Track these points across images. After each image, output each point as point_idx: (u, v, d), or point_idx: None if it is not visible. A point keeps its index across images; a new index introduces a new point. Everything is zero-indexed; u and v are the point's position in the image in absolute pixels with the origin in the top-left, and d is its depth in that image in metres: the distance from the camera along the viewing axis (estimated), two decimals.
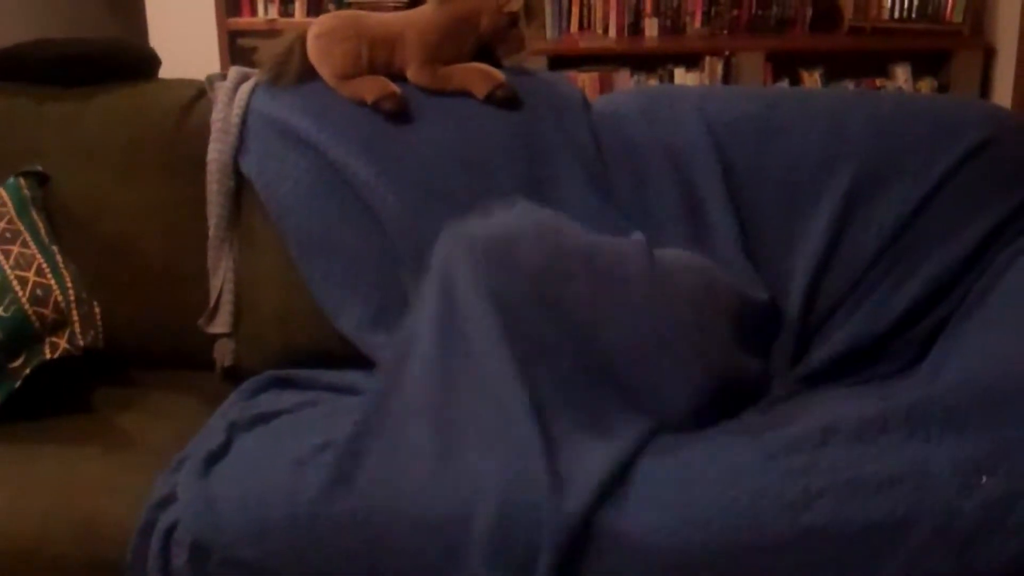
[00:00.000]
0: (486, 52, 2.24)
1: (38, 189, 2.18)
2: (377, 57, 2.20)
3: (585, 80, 4.20)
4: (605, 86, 4.24)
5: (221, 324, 2.18)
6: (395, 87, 2.17)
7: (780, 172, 2.12)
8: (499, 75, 2.18)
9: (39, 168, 2.20)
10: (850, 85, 4.29)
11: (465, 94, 2.19)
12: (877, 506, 1.57)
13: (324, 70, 2.21)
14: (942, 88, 4.23)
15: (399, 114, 2.16)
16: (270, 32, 4.10)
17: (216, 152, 2.19)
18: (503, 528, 1.60)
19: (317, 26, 2.23)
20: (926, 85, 4.27)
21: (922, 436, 1.67)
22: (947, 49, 4.23)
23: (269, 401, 1.96)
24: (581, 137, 2.19)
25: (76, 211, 2.21)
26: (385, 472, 1.69)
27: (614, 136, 2.20)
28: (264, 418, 1.88)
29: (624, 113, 2.24)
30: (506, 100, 2.18)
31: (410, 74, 2.21)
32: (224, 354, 2.19)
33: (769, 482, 1.62)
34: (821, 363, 2.03)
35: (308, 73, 2.23)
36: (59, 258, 2.01)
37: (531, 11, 2.21)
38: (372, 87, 2.17)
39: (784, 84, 4.26)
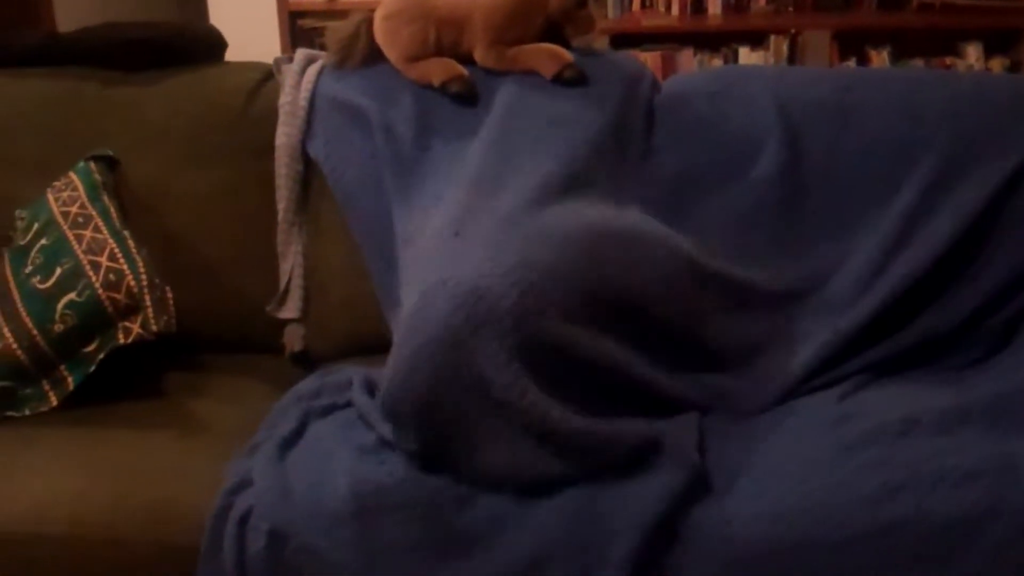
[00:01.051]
0: (554, 31, 2.21)
1: (109, 174, 2.19)
2: (444, 38, 2.18)
3: (647, 59, 4.16)
4: (668, 65, 4.20)
5: (291, 309, 2.18)
6: (462, 69, 2.16)
7: (856, 157, 2.07)
8: (567, 55, 2.15)
9: (110, 152, 2.21)
10: (919, 64, 4.21)
11: (532, 74, 2.16)
12: (958, 500, 1.54)
13: (391, 52, 2.20)
14: (1014, 67, 4.14)
15: (467, 96, 2.15)
16: (330, 12, 4.10)
17: (284, 136, 2.18)
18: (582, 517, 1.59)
19: (384, 7, 2.21)
20: (997, 64, 4.18)
21: (1005, 429, 1.64)
22: (1019, 27, 4.14)
23: (342, 389, 1.95)
24: (634, 119, 2.16)
25: (144, 196, 2.22)
26: (455, 463, 1.68)
27: (673, 118, 2.17)
28: (338, 406, 1.88)
29: (692, 94, 2.21)
30: (574, 80, 2.14)
31: (477, 55, 2.19)
32: (294, 339, 2.19)
33: (847, 475, 1.60)
34: (893, 352, 1.98)
35: (375, 55, 2.21)
36: (131, 243, 2.01)
37: None
38: (439, 69, 2.16)
39: (851, 63, 4.19)
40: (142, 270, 1.97)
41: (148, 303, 1.96)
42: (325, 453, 1.73)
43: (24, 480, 1.78)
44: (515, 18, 2.17)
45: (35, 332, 1.94)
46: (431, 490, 1.64)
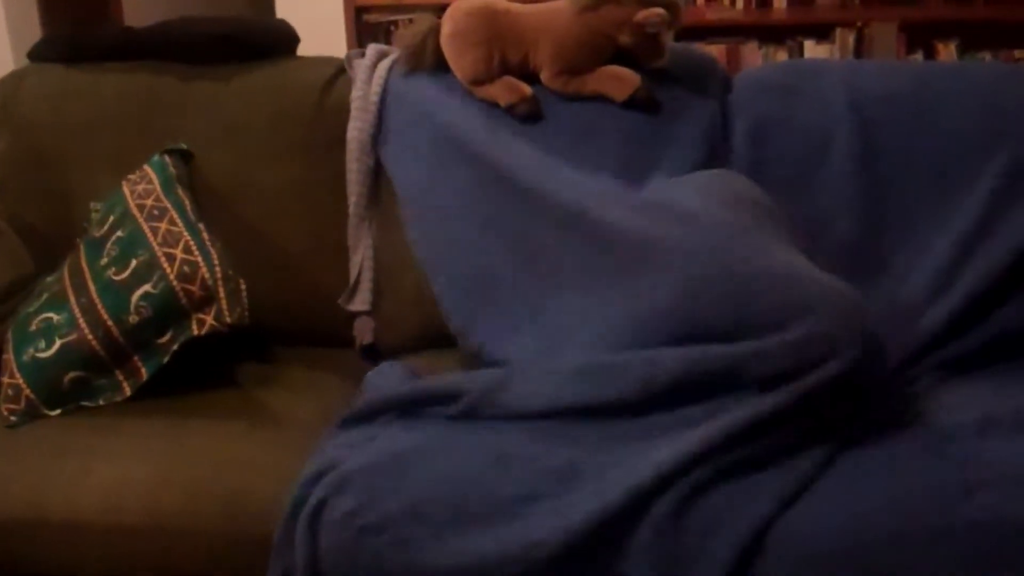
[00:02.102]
0: (625, 56, 2.17)
1: (184, 167, 2.21)
2: (511, 57, 2.16)
3: (712, 53, 4.12)
4: (732, 59, 4.17)
5: (361, 302, 2.20)
6: (528, 90, 2.14)
7: (933, 153, 2.05)
8: (636, 79, 2.13)
9: (184, 146, 2.24)
10: (987, 57, 4.14)
11: (601, 98, 2.15)
12: None
13: (457, 72, 2.19)
14: None
15: (533, 117, 2.14)
16: (396, 6, 4.12)
17: (356, 131, 2.20)
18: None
19: (451, 22, 2.19)
20: None
21: None
22: None
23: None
24: (715, 117, 2.15)
25: (218, 189, 2.24)
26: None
27: (747, 116, 2.16)
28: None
29: (764, 90, 2.19)
30: (645, 103, 2.13)
31: (544, 78, 2.17)
32: (364, 332, 2.20)
33: (927, 474, 1.58)
34: (969, 350, 1.96)
35: (443, 64, 2.21)
36: (205, 235, 2.04)
37: (676, 17, 2.13)
38: (505, 92, 2.15)
39: (918, 56, 4.14)
40: (216, 262, 1.99)
41: (222, 295, 1.98)
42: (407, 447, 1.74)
43: (100, 470, 1.80)
44: (584, 48, 2.15)
45: (110, 323, 1.96)
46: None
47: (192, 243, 2.01)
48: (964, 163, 2.04)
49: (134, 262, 1.99)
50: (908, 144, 2.08)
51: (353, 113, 2.20)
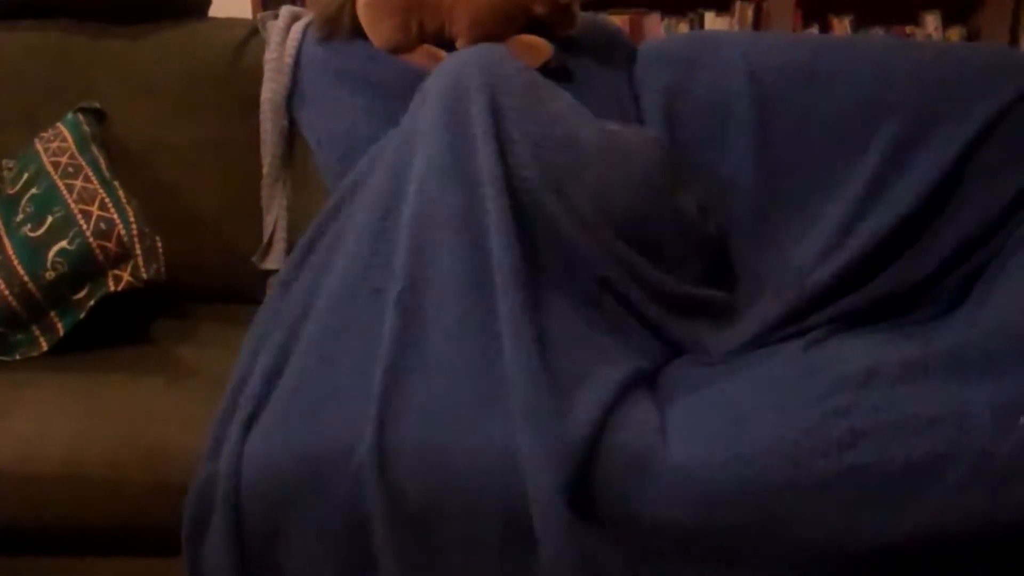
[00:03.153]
0: (537, 25, 2.23)
1: (97, 126, 2.22)
2: (427, 25, 2.20)
3: (616, 23, 4.19)
4: (635, 29, 4.25)
5: (274, 261, 2.23)
6: (445, 56, 2.18)
7: (826, 120, 2.14)
8: (549, 48, 2.19)
9: (97, 105, 2.24)
10: (880, 32, 4.29)
11: None
12: (917, 446, 1.62)
13: (374, 40, 2.22)
14: (972, 35, 4.23)
15: None
16: None
17: (270, 92, 2.23)
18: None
19: None
20: (955, 33, 4.27)
21: (961, 379, 1.71)
22: None
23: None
24: (622, 88, 2.22)
25: (131, 148, 2.25)
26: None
27: (652, 87, 2.24)
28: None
29: (667, 61, 2.27)
30: (558, 71, 2.19)
31: (459, 47, 2.21)
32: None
33: (815, 422, 1.66)
34: (859, 305, 2.07)
35: (359, 31, 2.24)
36: (121, 193, 2.05)
37: None
38: (424, 60, 2.19)
39: (814, 30, 4.26)
40: (132, 219, 2.01)
41: (138, 252, 2.00)
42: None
43: (18, 421, 1.81)
44: (498, 16, 2.20)
45: (26, 279, 1.97)
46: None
47: (108, 200, 2.02)
48: (855, 133, 2.14)
49: (49, 219, 2.00)
50: (803, 115, 2.16)
51: (267, 75, 2.23)
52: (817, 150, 2.15)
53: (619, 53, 2.28)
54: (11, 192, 2.10)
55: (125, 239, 1.99)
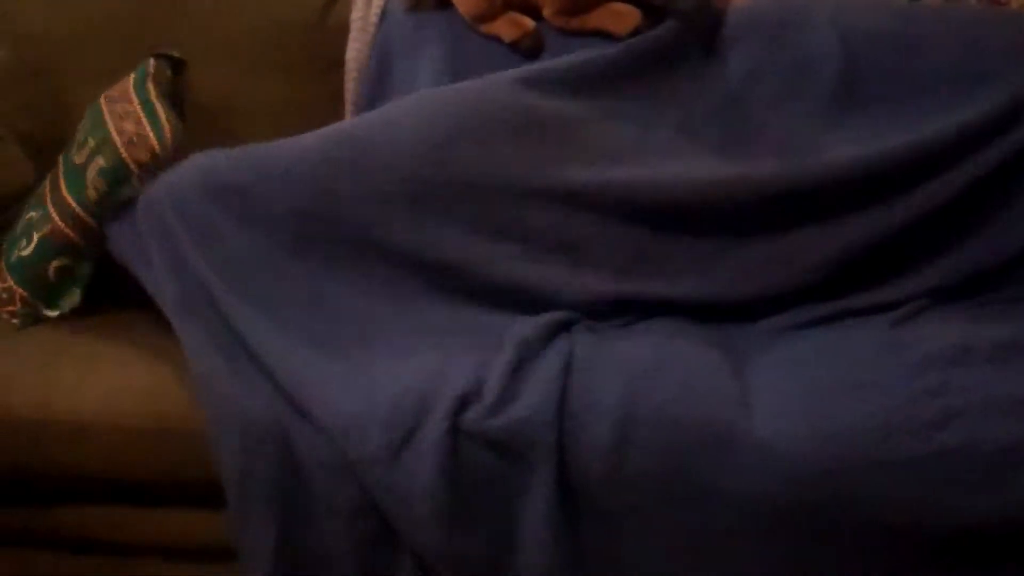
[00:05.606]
0: None
1: (167, 71, 2.19)
2: None
3: None
4: None
5: None
6: (531, 24, 2.16)
7: (915, 88, 2.08)
8: (637, 14, 2.14)
9: (175, 54, 2.23)
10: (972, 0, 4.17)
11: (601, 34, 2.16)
12: (1009, 428, 1.59)
13: (460, 8, 2.20)
14: None
15: (536, 52, 2.16)
16: None
17: (354, 51, 2.23)
18: None
19: None
20: None
21: None
22: None
23: None
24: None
25: (209, 104, 2.26)
26: None
27: (741, 43, 2.19)
28: None
29: (757, 23, 2.22)
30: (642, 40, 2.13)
31: (547, 14, 2.19)
32: None
33: (905, 399, 1.63)
34: (947, 282, 2.01)
35: (445, 1, 2.22)
36: (161, 113, 2.02)
37: None
38: (509, 28, 2.16)
39: None
40: (168, 135, 2.00)
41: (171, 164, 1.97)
42: None
43: (102, 372, 1.84)
44: None
45: (75, 206, 1.99)
46: None
47: (144, 118, 2.01)
48: (945, 101, 2.07)
49: (91, 142, 2.02)
50: (892, 79, 2.10)
51: (352, 34, 2.23)
52: (907, 116, 2.09)
53: (709, 16, 2.22)
54: (73, 136, 2.12)
55: (159, 150, 1.98)
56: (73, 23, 2.33)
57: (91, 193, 1.98)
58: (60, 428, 1.78)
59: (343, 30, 2.23)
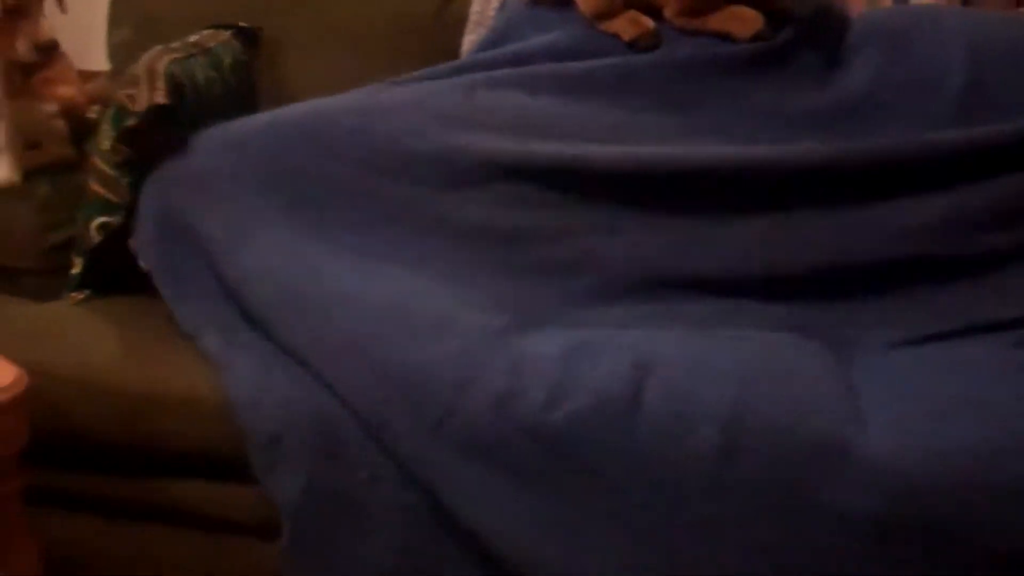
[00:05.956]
0: None
1: (237, 40, 2.20)
2: None
3: None
4: None
5: None
6: (650, 24, 2.15)
7: None
8: (760, 19, 2.12)
9: (246, 24, 2.24)
10: None
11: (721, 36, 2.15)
12: None
13: (581, 6, 2.20)
14: None
15: (654, 52, 2.15)
16: None
17: (469, 43, 2.24)
18: None
19: None
20: None
21: None
22: None
23: None
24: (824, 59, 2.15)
25: (323, 94, 2.24)
26: None
27: (865, 56, 2.16)
28: None
29: (884, 32, 2.19)
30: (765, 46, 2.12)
31: (668, 14, 2.18)
32: None
33: (1018, 422, 1.59)
34: None
35: None
36: (162, 67, 1.99)
37: None
38: (629, 27, 2.16)
39: None
40: (160, 70, 1.97)
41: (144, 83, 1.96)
42: None
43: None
44: None
45: (100, 163, 2.01)
46: None
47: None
48: None
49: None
50: (1016, 99, 2.05)
51: (469, 27, 2.25)
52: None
53: (833, 23, 2.19)
54: None
55: (140, 75, 1.96)
56: (195, 7, 2.37)
57: (104, 143, 1.99)
58: (173, 403, 1.79)
59: (460, 23, 2.24)
